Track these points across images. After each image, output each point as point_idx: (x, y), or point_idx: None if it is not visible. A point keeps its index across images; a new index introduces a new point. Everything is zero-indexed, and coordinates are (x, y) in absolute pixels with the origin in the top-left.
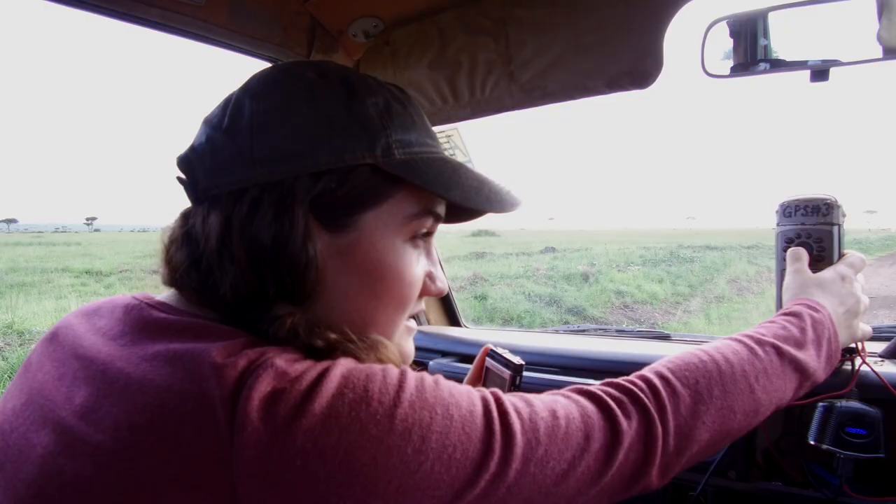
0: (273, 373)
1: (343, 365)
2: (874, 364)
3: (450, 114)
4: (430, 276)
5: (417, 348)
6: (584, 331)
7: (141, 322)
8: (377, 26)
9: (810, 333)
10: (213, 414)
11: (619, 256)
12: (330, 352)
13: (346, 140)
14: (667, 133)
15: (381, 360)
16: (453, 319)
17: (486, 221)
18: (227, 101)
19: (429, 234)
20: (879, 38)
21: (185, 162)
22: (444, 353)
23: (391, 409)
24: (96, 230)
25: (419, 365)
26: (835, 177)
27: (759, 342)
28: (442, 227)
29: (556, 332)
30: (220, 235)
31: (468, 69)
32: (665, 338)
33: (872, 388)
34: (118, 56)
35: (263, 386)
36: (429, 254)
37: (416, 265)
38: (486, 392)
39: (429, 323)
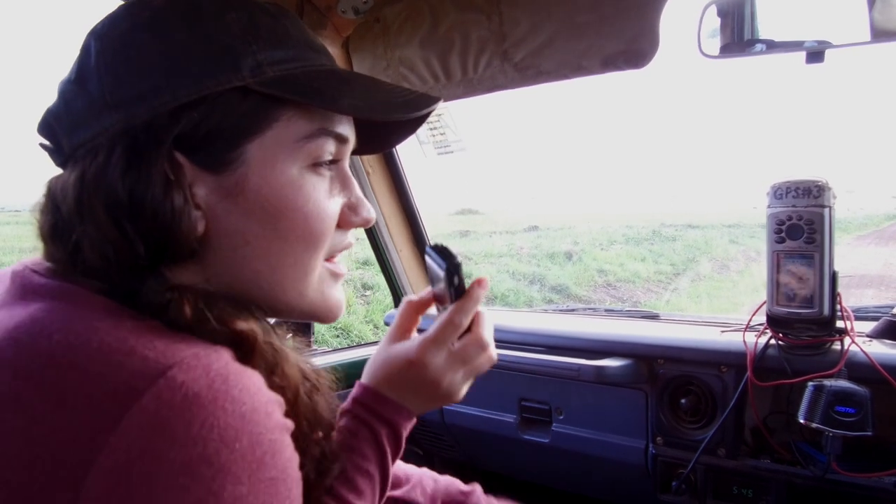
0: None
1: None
2: (862, 344)
3: (442, 92)
4: (349, 206)
5: None
6: (573, 310)
7: (22, 288)
8: (367, 2)
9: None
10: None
11: (602, 235)
12: (250, 342)
13: (205, 65)
14: (652, 111)
15: (280, 371)
16: None
17: (470, 200)
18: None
19: (336, 160)
20: (871, 20)
21: (45, 126)
22: None
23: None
24: None
25: None
26: (814, 156)
27: None
28: (426, 207)
29: (545, 311)
30: (77, 195)
31: (460, 47)
32: (654, 317)
33: (861, 368)
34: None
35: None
36: (344, 182)
37: (322, 196)
38: None
39: None
